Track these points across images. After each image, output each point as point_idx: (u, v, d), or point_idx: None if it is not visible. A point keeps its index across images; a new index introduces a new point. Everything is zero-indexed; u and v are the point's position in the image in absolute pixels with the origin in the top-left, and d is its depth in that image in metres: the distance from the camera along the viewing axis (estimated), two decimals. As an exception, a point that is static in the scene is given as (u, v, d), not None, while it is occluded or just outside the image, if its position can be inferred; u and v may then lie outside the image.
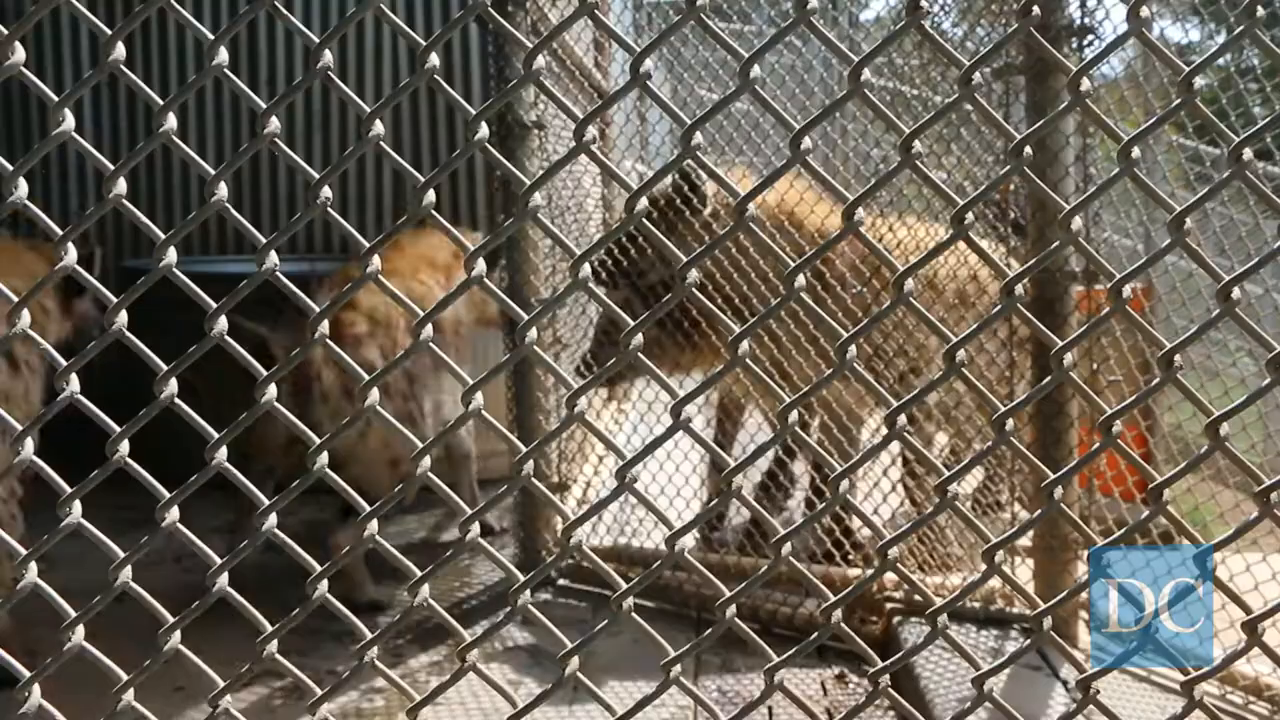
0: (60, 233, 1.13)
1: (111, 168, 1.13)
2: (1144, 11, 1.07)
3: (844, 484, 1.16)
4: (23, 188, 1.12)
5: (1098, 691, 1.14)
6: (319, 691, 1.23)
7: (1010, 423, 1.12)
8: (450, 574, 3.88)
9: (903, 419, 1.14)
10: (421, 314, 1.16)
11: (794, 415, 1.13)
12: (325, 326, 1.17)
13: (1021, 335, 3.20)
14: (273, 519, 1.20)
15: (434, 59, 1.11)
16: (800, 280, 1.11)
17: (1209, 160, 4.26)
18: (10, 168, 1.12)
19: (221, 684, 1.22)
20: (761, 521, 1.32)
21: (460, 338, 4.23)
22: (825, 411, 3.61)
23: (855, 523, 3.68)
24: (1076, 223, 1.09)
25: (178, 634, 1.20)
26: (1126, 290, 1.10)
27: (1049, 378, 1.15)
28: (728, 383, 3.75)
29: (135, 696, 1.20)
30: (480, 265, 1.15)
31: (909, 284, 1.10)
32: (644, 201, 1.11)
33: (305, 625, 1.23)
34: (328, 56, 1.13)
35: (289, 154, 1.20)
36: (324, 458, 1.20)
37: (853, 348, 1.11)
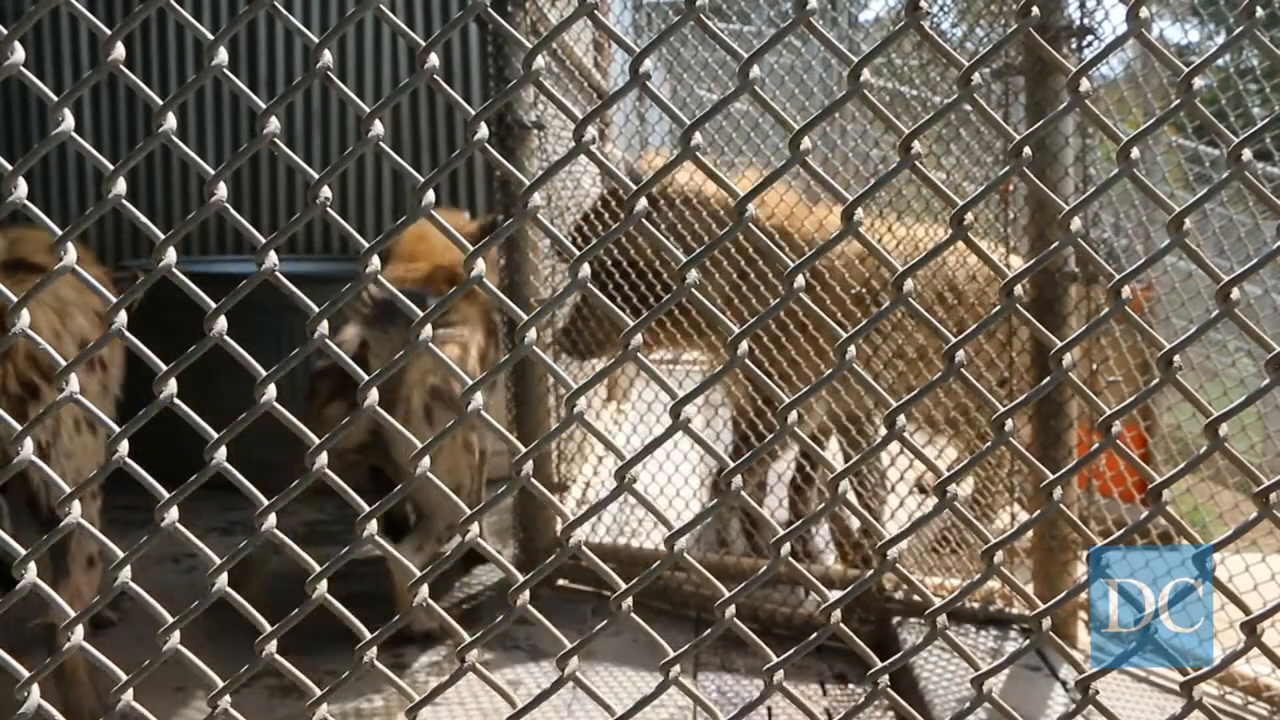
0: (60, 232, 1.13)
1: (111, 168, 1.13)
2: (1144, 12, 1.07)
3: (843, 484, 1.16)
4: (22, 187, 1.12)
5: (1097, 692, 1.14)
6: (319, 691, 1.23)
7: (1010, 423, 1.12)
8: (450, 574, 3.89)
9: (902, 419, 1.14)
10: (421, 314, 1.17)
11: (793, 415, 1.14)
12: (325, 326, 1.17)
13: (1021, 337, 3.20)
14: (272, 519, 1.19)
15: (434, 59, 1.11)
16: (799, 280, 1.11)
17: (1209, 160, 4.26)
18: (10, 168, 1.12)
19: (221, 684, 1.21)
20: (761, 522, 1.32)
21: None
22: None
23: (854, 522, 3.68)
24: (1076, 223, 1.09)
25: (177, 634, 1.20)
26: (1126, 290, 1.10)
27: (1049, 378, 1.15)
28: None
29: (135, 696, 1.20)
30: (480, 265, 1.15)
31: (908, 284, 1.10)
32: (643, 201, 1.12)
33: (305, 625, 1.23)
34: (328, 56, 1.13)
35: (289, 154, 1.20)
36: (323, 458, 1.20)
37: (852, 348, 1.12)
